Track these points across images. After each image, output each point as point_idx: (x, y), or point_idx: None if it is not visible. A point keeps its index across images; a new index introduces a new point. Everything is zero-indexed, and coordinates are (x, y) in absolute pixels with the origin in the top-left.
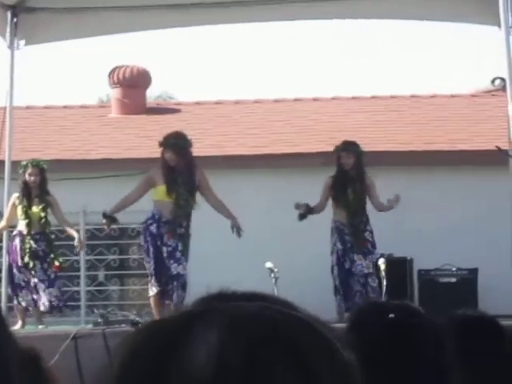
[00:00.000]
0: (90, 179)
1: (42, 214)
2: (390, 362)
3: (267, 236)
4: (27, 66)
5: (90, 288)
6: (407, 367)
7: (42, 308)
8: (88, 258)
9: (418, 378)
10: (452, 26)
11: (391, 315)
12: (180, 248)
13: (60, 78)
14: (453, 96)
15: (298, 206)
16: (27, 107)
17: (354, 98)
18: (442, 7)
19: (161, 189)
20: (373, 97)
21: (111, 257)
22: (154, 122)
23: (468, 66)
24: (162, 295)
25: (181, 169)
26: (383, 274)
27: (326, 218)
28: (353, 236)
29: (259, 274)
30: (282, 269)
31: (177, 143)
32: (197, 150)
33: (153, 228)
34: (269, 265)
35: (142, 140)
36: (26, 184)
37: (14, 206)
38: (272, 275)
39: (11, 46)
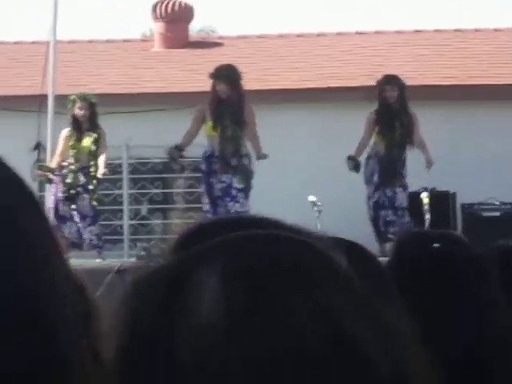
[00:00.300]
0: (133, 113)
1: (93, 148)
2: (433, 293)
3: (310, 169)
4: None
5: (133, 222)
6: (450, 298)
7: (85, 242)
8: (131, 191)
9: (461, 309)
10: None
11: (435, 244)
12: (235, 184)
13: (103, 12)
14: (496, 30)
15: (349, 164)
16: (70, 41)
17: (397, 31)
18: None
19: (209, 123)
20: (416, 31)
21: (154, 191)
22: (197, 55)
23: None
24: None
25: (230, 101)
26: (426, 207)
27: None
28: (392, 170)
29: (303, 207)
30: (325, 202)
31: (229, 75)
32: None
33: (203, 165)
34: (312, 198)
35: (186, 74)
36: (75, 118)
37: (66, 141)
38: (315, 208)
39: None
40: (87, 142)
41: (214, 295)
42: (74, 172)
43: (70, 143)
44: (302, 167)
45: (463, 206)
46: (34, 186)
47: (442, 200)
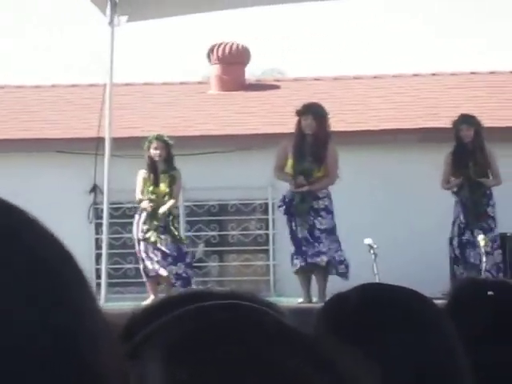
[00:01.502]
0: (188, 156)
1: (167, 190)
2: (487, 340)
3: (368, 212)
4: (127, 43)
5: None
6: (504, 345)
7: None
8: (187, 234)
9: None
10: None
11: (490, 292)
12: (318, 225)
13: (160, 55)
14: None
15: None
16: (127, 84)
17: (453, 74)
18: None
19: (290, 162)
20: (472, 73)
21: (211, 233)
22: (253, 98)
23: None
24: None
25: (315, 139)
26: (483, 250)
27: (426, 194)
28: (472, 210)
29: (360, 250)
30: (382, 245)
31: (317, 111)
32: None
33: (283, 208)
34: (368, 241)
35: (241, 116)
36: (151, 159)
37: (143, 182)
38: (371, 251)
39: (111, 23)
40: (163, 185)
41: (157, 379)
42: (152, 216)
43: (147, 187)
44: (357, 209)
45: None
46: (90, 228)
47: (500, 242)
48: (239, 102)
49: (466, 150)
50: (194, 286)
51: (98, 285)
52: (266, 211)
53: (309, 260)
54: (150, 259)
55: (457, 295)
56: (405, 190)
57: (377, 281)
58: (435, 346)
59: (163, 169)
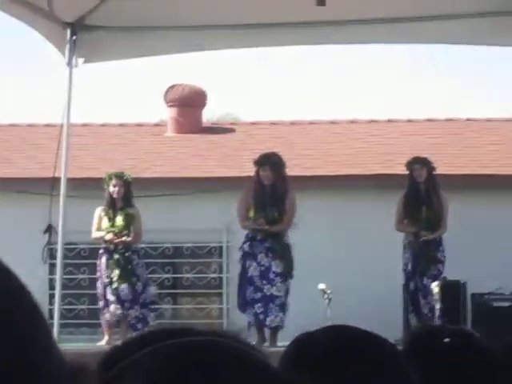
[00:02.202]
0: (144, 197)
1: (125, 226)
2: None
3: (322, 257)
4: (85, 83)
5: None
6: None
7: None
8: None
9: None
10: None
11: (446, 339)
12: (274, 268)
13: (117, 96)
14: (508, 120)
15: None
16: (84, 124)
17: (409, 120)
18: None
19: (252, 211)
20: (428, 119)
21: (165, 275)
22: (209, 141)
23: None
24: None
25: (274, 188)
26: (436, 297)
27: (380, 240)
28: (425, 255)
29: (313, 295)
30: (335, 291)
31: (275, 161)
32: (251, 171)
33: (245, 246)
34: (322, 286)
35: (198, 159)
36: (110, 196)
37: (100, 219)
38: (325, 296)
39: (70, 64)
40: (120, 222)
41: None
42: (114, 253)
43: (104, 223)
44: (311, 255)
45: (473, 295)
46: (44, 268)
47: (452, 289)
48: (195, 144)
49: (420, 192)
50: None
51: (51, 325)
52: (220, 254)
53: (260, 318)
54: (109, 301)
55: (412, 341)
56: (359, 236)
57: None
58: None
59: (121, 206)
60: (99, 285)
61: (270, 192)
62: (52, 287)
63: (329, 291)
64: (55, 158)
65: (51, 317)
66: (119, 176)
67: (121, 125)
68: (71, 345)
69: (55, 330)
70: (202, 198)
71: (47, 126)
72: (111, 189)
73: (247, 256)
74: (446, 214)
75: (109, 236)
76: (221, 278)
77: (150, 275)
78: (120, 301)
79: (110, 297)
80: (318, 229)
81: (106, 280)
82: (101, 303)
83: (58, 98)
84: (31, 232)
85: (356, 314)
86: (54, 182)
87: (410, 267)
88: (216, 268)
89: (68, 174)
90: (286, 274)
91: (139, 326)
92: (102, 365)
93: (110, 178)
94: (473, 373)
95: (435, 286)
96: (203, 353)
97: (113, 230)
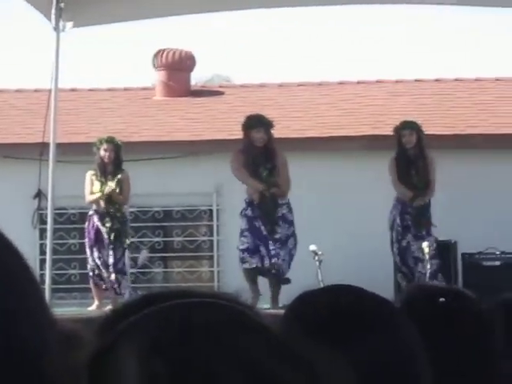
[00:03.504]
0: (133, 161)
1: (117, 191)
2: (438, 347)
3: (312, 219)
4: (73, 48)
5: (133, 270)
6: (454, 352)
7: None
8: (132, 240)
9: (465, 364)
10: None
11: (441, 299)
12: (274, 235)
13: (105, 61)
14: (497, 79)
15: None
16: (72, 89)
17: (397, 81)
18: None
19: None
20: (417, 80)
21: (155, 239)
22: (198, 104)
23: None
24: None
25: (266, 149)
26: (427, 257)
27: (370, 200)
28: (415, 217)
29: (304, 256)
30: (326, 252)
31: (267, 122)
32: (240, 133)
33: (246, 211)
34: (312, 247)
35: (186, 122)
36: (101, 160)
37: (91, 183)
38: (316, 258)
39: (57, 29)
40: (111, 184)
41: (133, 373)
42: (105, 216)
43: (95, 187)
44: (302, 217)
45: (464, 255)
46: (35, 233)
47: (443, 250)
48: (184, 108)
49: (409, 156)
50: (125, 292)
51: (42, 290)
52: (210, 217)
53: (265, 262)
54: (98, 266)
55: (407, 301)
56: (349, 197)
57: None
58: (398, 348)
59: (111, 170)
60: (89, 248)
61: (262, 153)
62: (43, 252)
63: (320, 253)
64: (44, 123)
65: (42, 282)
66: (110, 141)
67: (109, 89)
68: (63, 310)
69: (46, 296)
70: (191, 161)
71: (36, 91)
72: (102, 153)
73: (252, 219)
74: (434, 178)
75: (107, 189)
76: (211, 241)
77: (140, 239)
78: (107, 265)
79: (103, 260)
80: (308, 190)
81: (106, 239)
82: (89, 266)
83: (46, 63)
84: (21, 198)
85: (346, 276)
86: (43, 147)
87: (397, 223)
88: (206, 231)
89: (57, 139)
90: (285, 239)
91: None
92: (101, 327)
93: (101, 143)
94: (468, 332)
95: (426, 246)
96: (204, 313)
97: (102, 193)
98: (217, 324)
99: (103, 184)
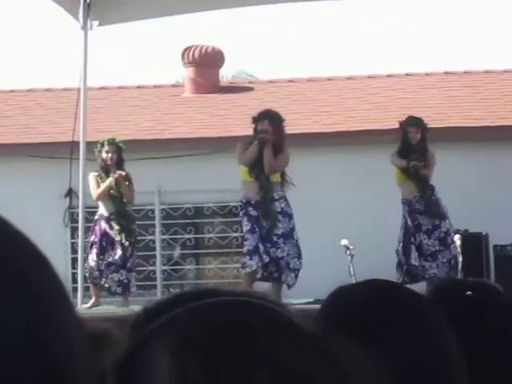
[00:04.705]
0: (164, 159)
1: (119, 192)
2: (465, 342)
3: (342, 213)
4: (101, 46)
5: (165, 267)
6: (482, 347)
7: (118, 290)
8: (163, 237)
9: (493, 359)
10: None
11: (468, 292)
12: (274, 230)
13: (134, 59)
14: None
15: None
16: (101, 88)
17: (427, 74)
18: None
19: (244, 168)
20: (446, 72)
21: (187, 236)
22: (227, 100)
23: None
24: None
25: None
26: (459, 249)
27: (399, 193)
28: (425, 207)
29: (335, 251)
30: (357, 246)
31: (274, 116)
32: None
33: (243, 212)
34: (344, 242)
35: (216, 119)
36: (104, 162)
37: (97, 183)
38: (348, 252)
39: (84, 27)
40: (114, 187)
41: (165, 371)
42: (110, 219)
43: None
44: (333, 211)
45: (495, 247)
46: (66, 232)
47: (474, 242)
48: (213, 104)
49: (411, 150)
50: (132, 291)
51: (75, 289)
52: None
53: (264, 258)
54: (99, 267)
55: (434, 295)
56: (380, 191)
57: (353, 282)
58: (433, 342)
59: (114, 171)
60: (94, 250)
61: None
62: (74, 251)
63: (351, 247)
64: (73, 121)
65: (75, 280)
66: (111, 142)
67: (138, 87)
68: (96, 308)
69: (79, 294)
70: (221, 157)
71: (65, 90)
72: (104, 155)
73: (251, 219)
74: (431, 172)
75: (114, 176)
76: (242, 237)
77: (172, 236)
78: (115, 265)
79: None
80: (339, 185)
81: (115, 240)
82: (90, 265)
83: (75, 62)
84: (52, 197)
85: (378, 270)
86: (73, 145)
87: (409, 223)
88: (237, 227)
89: (87, 138)
90: (288, 232)
91: (119, 290)
92: (133, 326)
93: (102, 145)
94: (495, 326)
95: (457, 239)
96: (237, 312)
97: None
98: (249, 322)
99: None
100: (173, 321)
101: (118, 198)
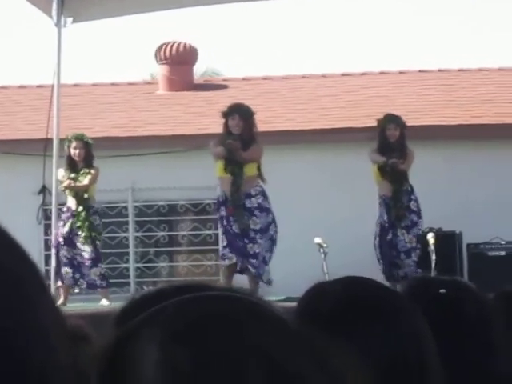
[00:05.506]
0: (137, 156)
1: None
2: (439, 339)
3: (316, 211)
4: (75, 43)
5: (139, 265)
6: (454, 342)
7: (83, 286)
8: (137, 234)
9: (464, 354)
10: None
11: (442, 290)
12: (252, 226)
13: (108, 56)
14: (500, 69)
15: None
16: (75, 85)
17: (401, 72)
18: None
19: (220, 164)
20: (420, 71)
21: (160, 233)
22: (202, 98)
23: None
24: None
25: (242, 139)
26: (432, 248)
27: (375, 192)
28: (395, 208)
29: (308, 249)
30: (331, 244)
31: (243, 110)
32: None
33: (219, 210)
34: (318, 240)
35: (190, 116)
36: (70, 158)
37: (64, 178)
38: (321, 250)
39: (58, 24)
40: (81, 182)
41: (154, 363)
42: (76, 214)
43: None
44: (307, 208)
45: (469, 245)
46: (40, 228)
47: (448, 240)
48: (187, 101)
49: (391, 149)
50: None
51: (48, 286)
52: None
53: (244, 260)
54: (71, 264)
55: (408, 292)
56: (354, 189)
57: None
58: (408, 336)
59: (82, 167)
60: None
61: (237, 141)
62: (47, 248)
63: (325, 245)
64: (47, 118)
65: (47, 278)
66: (79, 138)
67: (112, 84)
68: (68, 305)
69: (51, 291)
70: (195, 155)
71: (39, 87)
72: (72, 151)
73: (223, 218)
74: (408, 168)
75: (67, 182)
76: (216, 235)
77: (145, 233)
78: (82, 262)
79: (72, 257)
80: (313, 183)
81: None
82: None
83: (49, 59)
84: (25, 194)
85: (351, 268)
86: (47, 142)
87: (384, 219)
88: (211, 225)
89: (60, 135)
90: (265, 227)
91: (103, 283)
92: (119, 319)
93: (70, 141)
94: (468, 323)
95: (431, 237)
96: (222, 305)
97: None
98: (235, 315)
99: (75, 181)
100: (161, 313)
101: (79, 194)
